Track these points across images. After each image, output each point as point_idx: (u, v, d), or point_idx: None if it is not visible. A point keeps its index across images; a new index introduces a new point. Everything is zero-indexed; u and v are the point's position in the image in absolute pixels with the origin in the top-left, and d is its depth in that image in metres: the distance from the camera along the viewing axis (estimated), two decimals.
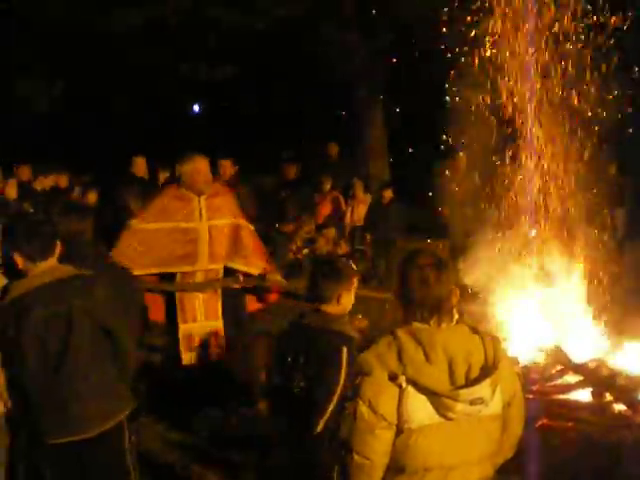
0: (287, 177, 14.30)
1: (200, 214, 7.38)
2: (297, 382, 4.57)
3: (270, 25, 15.60)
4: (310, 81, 17.92)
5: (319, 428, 4.41)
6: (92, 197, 11.54)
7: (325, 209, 14.74)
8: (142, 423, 6.91)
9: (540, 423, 6.57)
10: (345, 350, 4.40)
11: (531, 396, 6.83)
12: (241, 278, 7.58)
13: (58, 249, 4.54)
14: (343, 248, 12.58)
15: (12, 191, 10.11)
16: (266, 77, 18.60)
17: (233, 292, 7.59)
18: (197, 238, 7.33)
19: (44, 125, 19.31)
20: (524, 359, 7.48)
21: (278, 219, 12.72)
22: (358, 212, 14.43)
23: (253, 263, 7.62)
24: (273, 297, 7.95)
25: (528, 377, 7.13)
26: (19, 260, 4.40)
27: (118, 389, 4.65)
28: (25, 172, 11.90)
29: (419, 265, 3.26)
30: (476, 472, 3.32)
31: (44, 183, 11.30)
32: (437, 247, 13.08)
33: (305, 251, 11.53)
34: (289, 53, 16.67)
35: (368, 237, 13.68)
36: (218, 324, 7.46)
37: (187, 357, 7.36)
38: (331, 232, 12.51)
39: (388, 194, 13.59)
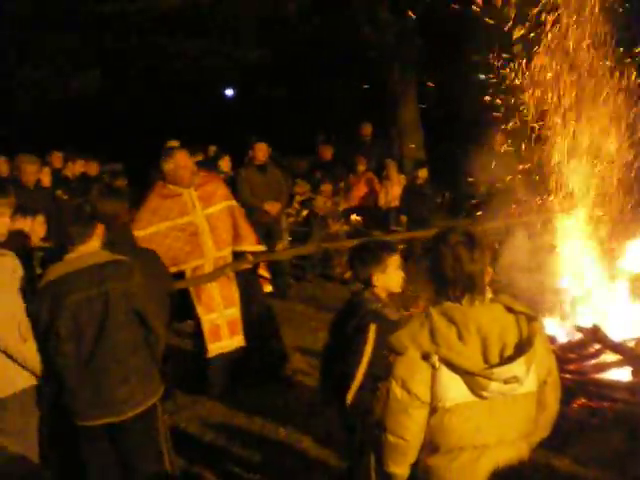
0: (323, 158, 14.26)
1: (193, 206, 7.25)
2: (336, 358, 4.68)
3: (302, 6, 15.55)
4: (344, 62, 17.83)
5: (348, 400, 4.47)
6: (121, 183, 11.51)
7: (359, 191, 14.71)
8: (180, 404, 7.03)
9: (578, 403, 6.51)
10: (373, 327, 4.43)
11: (568, 375, 6.76)
12: (250, 257, 7.55)
13: (99, 233, 4.57)
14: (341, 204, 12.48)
15: (46, 178, 10.15)
16: (299, 59, 18.53)
17: (246, 276, 7.55)
18: (197, 230, 7.22)
19: (77, 111, 19.44)
20: (562, 338, 7.40)
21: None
22: (392, 193, 14.36)
23: (256, 241, 7.62)
24: None
25: (565, 356, 7.05)
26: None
27: (151, 373, 4.71)
28: (57, 159, 11.97)
29: (451, 243, 3.22)
30: (511, 451, 3.28)
31: (74, 170, 11.31)
32: (472, 226, 13.07)
33: (304, 212, 11.54)
34: (322, 34, 16.59)
35: (403, 218, 13.61)
36: (237, 310, 7.41)
37: (214, 348, 7.31)
38: (327, 187, 12.46)
39: (423, 174, 13.50)
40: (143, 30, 16.64)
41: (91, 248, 4.53)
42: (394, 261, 4.61)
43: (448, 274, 3.21)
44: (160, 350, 4.81)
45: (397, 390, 3.19)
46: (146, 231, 7.07)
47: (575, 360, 7.07)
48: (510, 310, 3.23)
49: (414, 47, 16.71)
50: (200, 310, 7.28)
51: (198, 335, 7.42)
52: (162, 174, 7.27)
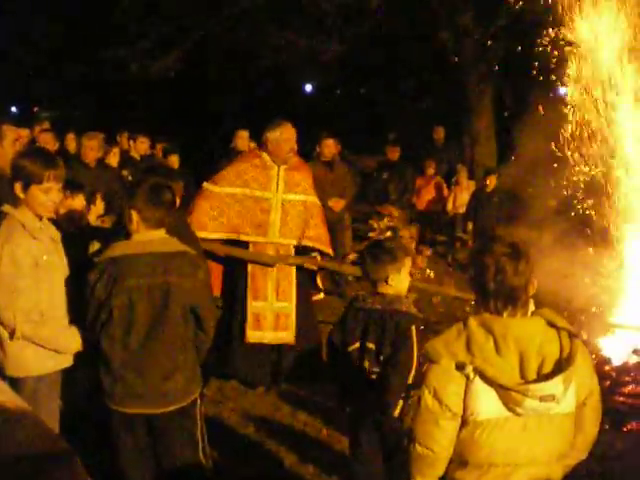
0: (390, 159, 14.18)
1: (277, 185, 7.16)
2: (369, 368, 4.50)
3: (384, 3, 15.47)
4: (421, 64, 17.70)
5: (397, 412, 4.33)
6: (173, 160, 11.46)
7: (427, 194, 14.60)
8: (226, 395, 7.03)
9: (629, 427, 6.32)
10: (413, 329, 4.36)
11: (622, 399, 6.57)
12: (319, 258, 7.40)
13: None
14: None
15: (114, 159, 10.24)
16: (375, 58, 18.45)
17: (305, 275, 7.38)
18: (269, 209, 7.11)
19: (155, 93, 19.71)
20: (617, 360, 7.19)
21: (379, 201, 12.66)
22: (461, 199, 14.21)
23: (327, 243, 7.44)
24: None
25: (620, 379, 6.85)
26: (134, 218, 4.33)
27: (195, 370, 4.61)
28: (124, 139, 12.12)
29: (495, 254, 3.11)
30: (544, 472, 3.17)
31: (139, 149, 11.38)
32: (538, 238, 12.81)
33: (388, 233, 11.40)
34: (401, 34, 16.48)
35: (470, 225, 13.43)
36: (290, 306, 7.22)
37: (253, 335, 7.14)
38: (414, 230, 12.31)
39: (492, 181, 13.28)
40: (229, 18, 16.75)
41: (159, 234, 4.41)
42: (408, 263, 4.54)
43: (490, 286, 3.11)
44: (207, 349, 4.74)
45: (429, 399, 3.10)
46: (223, 189, 7.10)
47: (630, 383, 6.86)
48: (552, 325, 3.12)
49: (493, 56, 16.46)
50: (249, 295, 7.14)
51: (231, 320, 7.23)
52: (263, 141, 7.25)
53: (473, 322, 3.09)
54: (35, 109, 26.95)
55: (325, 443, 6.22)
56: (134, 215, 4.31)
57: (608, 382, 6.86)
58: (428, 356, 3.13)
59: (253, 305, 7.14)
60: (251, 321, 7.14)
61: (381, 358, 4.45)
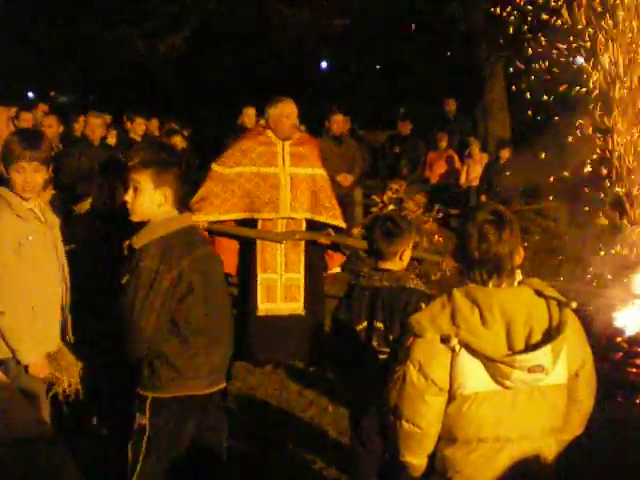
0: (402, 133, 14.02)
1: (283, 160, 7.10)
2: (378, 347, 4.41)
3: None
4: (431, 35, 17.45)
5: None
6: (177, 141, 11.23)
7: (440, 167, 14.44)
8: (234, 374, 6.95)
9: None
10: (423, 307, 4.15)
11: (635, 370, 6.44)
12: (331, 232, 7.27)
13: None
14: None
15: (112, 139, 10.24)
16: (384, 31, 18.22)
17: (317, 249, 7.29)
18: (278, 184, 7.04)
19: (161, 71, 19.65)
20: (631, 331, 7.05)
21: (390, 176, 12.50)
22: (474, 172, 14.04)
23: (340, 216, 7.35)
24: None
25: (633, 350, 6.72)
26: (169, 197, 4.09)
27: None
28: (125, 120, 12.07)
29: (478, 221, 2.98)
30: (535, 447, 3.04)
31: (137, 130, 11.29)
32: (556, 210, 12.63)
33: (391, 207, 11.21)
34: (409, 6, 16.27)
35: (483, 198, 13.25)
36: (299, 277, 7.15)
37: (264, 308, 7.08)
38: (421, 198, 12.12)
39: (505, 154, 13.11)
40: None
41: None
42: (414, 238, 4.49)
43: (474, 254, 2.97)
44: None
45: (414, 374, 2.97)
46: (232, 170, 7.05)
47: None
48: (540, 294, 2.98)
49: (503, 26, 16.16)
50: (259, 267, 7.08)
51: (245, 295, 7.19)
52: (265, 118, 7.26)
53: (457, 293, 2.97)
54: (52, 93, 27.00)
55: (330, 420, 6.15)
56: (169, 194, 4.06)
57: (620, 354, 6.74)
58: (412, 330, 2.99)
59: (263, 277, 7.08)
60: (261, 293, 7.07)
61: (390, 337, 4.36)
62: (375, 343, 4.43)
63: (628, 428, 5.72)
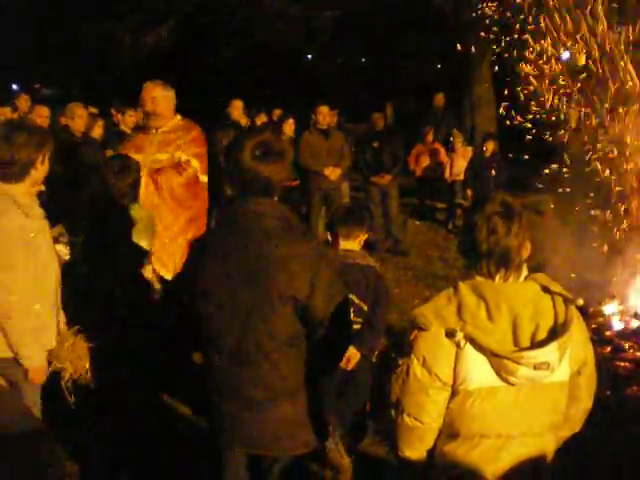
0: (376, 127, 13.87)
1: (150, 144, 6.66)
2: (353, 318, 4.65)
3: None
4: (418, 27, 17.43)
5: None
6: None
7: (425, 161, 14.39)
8: None
9: (630, 392, 6.20)
10: (381, 279, 5.05)
11: (623, 364, 6.48)
12: None
13: None
14: None
15: (98, 131, 10.12)
16: (374, 24, 18.17)
17: None
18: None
19: (145, 65, 19.49)
20: (619, 325, 7.08)
21: (370, 170, 12.36)
22: (457, 165, 14.00)
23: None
24: None
25: (622, 344, 6.75)
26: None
27: None
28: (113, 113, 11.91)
29: (487, 213, 2.94)
30: (537, 444, 3.01)
31: (127, 122, 11.14)
32: (542, 203, 12.62)
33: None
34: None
35: (469, 191, 13.21)
36: None
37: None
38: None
39: (490, 146, 13.02)
40: None
41: None
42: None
43: (482, 246, 2.92)
44: None
45: (417, 369, 2.94)
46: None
47: (631, 348, 6.75)
48: (547, 291, 2.95)
49: (489, 19, 16.15)
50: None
51: None
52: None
53: (464, 287, 2.93)
54: (37, 86, 26.76)
55: None
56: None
57: (609, 347, 6.76)
58: (417, 323, 2.95)
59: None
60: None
61: (364, 309, 4.92)
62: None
63: (620, 422, 5.72)
